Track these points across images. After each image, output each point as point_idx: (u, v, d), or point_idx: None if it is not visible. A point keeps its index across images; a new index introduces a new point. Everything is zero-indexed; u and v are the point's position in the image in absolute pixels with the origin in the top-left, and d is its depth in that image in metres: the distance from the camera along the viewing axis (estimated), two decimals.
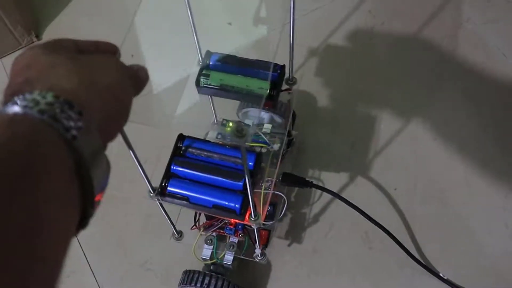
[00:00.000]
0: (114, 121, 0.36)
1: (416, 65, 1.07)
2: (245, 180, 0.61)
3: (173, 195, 0.63)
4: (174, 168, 0.64)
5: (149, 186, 0.62)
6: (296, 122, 0.96)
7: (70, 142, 0.29)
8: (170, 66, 0.89)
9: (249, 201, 0.59)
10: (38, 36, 1.17)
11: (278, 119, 0.84)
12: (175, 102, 0.91)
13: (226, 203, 0.61)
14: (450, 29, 1.10)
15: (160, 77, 0.96)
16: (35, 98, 0.29)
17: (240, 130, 0.39)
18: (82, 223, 0.32)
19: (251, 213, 0.61)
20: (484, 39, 1.08)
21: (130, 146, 0.51)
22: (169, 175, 0.64)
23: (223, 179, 0.62)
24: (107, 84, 0.35)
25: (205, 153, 0.64)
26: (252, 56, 0.70)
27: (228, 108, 0.87)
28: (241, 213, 0.61)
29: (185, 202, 0.63)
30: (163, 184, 0.63)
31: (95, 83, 0.34)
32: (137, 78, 0.40)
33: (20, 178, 0.26)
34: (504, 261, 0.88)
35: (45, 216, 0.27)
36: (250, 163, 0.62)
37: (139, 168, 0.58)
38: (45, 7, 1.21)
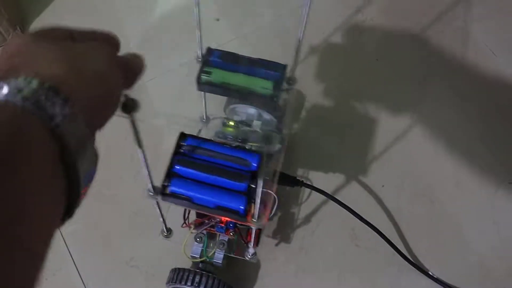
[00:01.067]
0: (101, 110, 0.34)
1: (405, 62, 1.07)
2: (249, 181, 0.60)
3: (175, 195, 0.61)
4: (177, 167, 0.62)
5: (150, 185, 0.60)
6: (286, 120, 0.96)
7: (54, 130, 0.28)
8: (157, 60, 0.89)
9: (251, 202, 0.58)
10: (23, 32, 1.15)
11: (266, 116, 0.83)
12: (162, 97, 0.90)
13: (231, 204, 0.60)
14: (439, 26, 1.10)
15: (148, 72, 0.95)
16: (19, 85, 0.28)
17: (268, 137, 0.38)
18: (67, 214, 0.31)
19: (253, 214, 0.60)
20: (473, 36, 1.08)
21: (140, 143, 0.49)
22: (171, 175, 0.62)
23: (227, 180, 0.61)
24: (95, 72, 0.34)
25: (208, 152, 0.62)
26: (241, 53, 0.69)
27: (216, 102, 0.87)
28: (245, 214, 0.60)
29: (187, 202, 0.61)
30: (164, 184, 0.62)
31: (83, 71, 0.33)
32: (128, 68, 0.38)
33: (0, 166, 0.25)
34: (492, 258, 0.88)
35: (27, 206, 0.26)
36: (254, 164, 0.61)
37: (145, 167, 0.55)
38: (31, 2, 1.19)
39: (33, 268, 0.27)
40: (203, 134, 0.75)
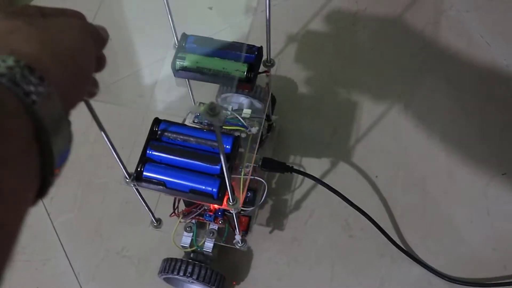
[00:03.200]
0: (75, 87, 0.34)
1: (398, 52, 1.06)
2: (222, 163, 0.60)
3: (149, 180, 0.61)
4: (150, 152, 0.62)
5: (124, 171, 0.60)
6: (277, 108, 0.95)
7: (29, 106, 0.28)
8: (148, 48, 0.88)
9: (226, 185, 0.58)
10: None
11: (257, 104, 0.83)
12: (153, 85, 0.90)
13: (203, 187, 0.59)
14: (433, 16, 1.09)
15: (139, 60, 0.95)
16: None
17: (212, 108, 0.38)
18: (41, 192, 0.31)
19: (229, 197, 0.60)
20: (467, 26, 1.08)
21: (101, 127, 0.49)
22: (144, 160, 0.62)
23: (200, 163, 0.60)
24: (69, 48, 0.34)
25: (182, 137, 0.62)
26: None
27: (208, 93, 0.86)
28: (219, 198, 0.59)
29: (161, 187, 0.61)
30: (138, 169, 0.62)
31: (57, 48, 0.33)
32: (98, 36, 0.39)
33: None
34: (485, 249, 0.87)
35: (0, 179, 0.26)
36: (227, 147, 0.61)
37: (113, 152, 0.56)
38: None
39: (7, 244, 0.27)
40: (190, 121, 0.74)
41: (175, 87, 0.75)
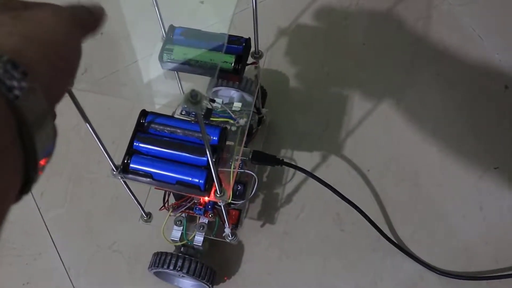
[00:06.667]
0: (60, 81, 0.34)
1: (390, 46, 1.06)
2: (207, 154, 0.59)
3: (136, 172, 0.61)
4: (137, 144, 0.62)
5: (111, 163, 0.60)
6: (268, 101, 0.95)
7: (12, 101, 0.28)
8: (139, 41, 0.88)
9: (213, 176, 0.57)
10: None
11: (248, 98, 0.83)
12: (142, 78, 0.89)
13: (190, 179, 0.59)
14: (425, 10, 1.09)
15: (129, 53, 0.95)
16: None
17: (194, 96, 0.37)
18: (24, 188, 0.30)
19: (216, 189, 0.60)
20: (459, 20, 1.07)
21: (85, 118, 0.49)
22: (131, 152, 0.62)
23: (187, 155, 0.60)
24: (53, 42, 0.33)
25: (169, 128, 0.62)
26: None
27: (198, 86, 0.86)
28: (206, 189, 0.59)
29: (148, 179, 0.61)
30: (125, 161, 0.61)
31: (40, 42, 0.32)
32: (88, 22, 0.38)
33: None
34: (477, 243, 0.87)
35: None
36: (214, 138, 0.60)
37: (100, 144, 0.55)
38: None
39: None
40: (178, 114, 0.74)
41: (164, 79, 0.75)
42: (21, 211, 0.91)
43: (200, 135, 0.61)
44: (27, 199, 0.91)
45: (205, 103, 0.70)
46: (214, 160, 0.55)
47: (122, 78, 0.95)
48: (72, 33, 0.35)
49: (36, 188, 0.91)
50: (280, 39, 1.06)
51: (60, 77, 0.34)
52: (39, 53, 0.32)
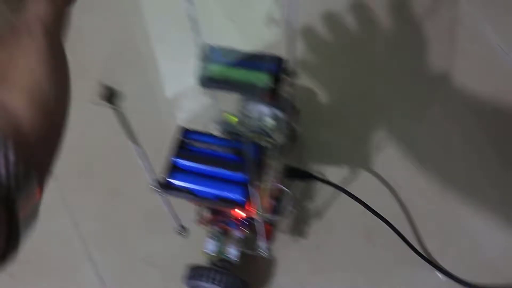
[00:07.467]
0: (51, 152, 0.36)
1: (415, 62, 1.07)
2: (249, 172, 0.61)
3: (177, 188, 0.63)
4: (176, 160, 0.64)
5: (152, 179, 0.62)
6: (299, 118, 0.97)
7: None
8: (175, 59, 0.91)
9: (253, 192, 0.59)
10: None
11: (280, 114, 0.84)
12: (177, 95, 0.92)
13: (231, 195, 0.61)
14: (449, 25, 1.10)
15: (162, 69, 0.97)
16: None
17: (243, 118, 0.40)
18: (3, 259, 0.31)
19: (256, 205, 0.61)
20: (484, 35, 1.08)
21: (132, 136, 0.51)
22: (172, 168, 0.64)
23: (227, 171, 0.62)
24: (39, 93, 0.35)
25: (207, 145, 0.64)
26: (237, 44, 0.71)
27: (231, 102, 0.88)
28: (246, 205, 0.61)
29: (188, 195, 0.63)
30: (165, 177, 0.63)
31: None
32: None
33: None
34: (504, 256, 0.88)
35: None
36: (253, 155, 0.62)
37: (143, 161, 0.57)
38: None
39: None
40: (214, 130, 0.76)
41: (199, 96, 0.77)
42: (56, 224, 0.94)
43: (239, 151, 0.63)
44: (62, 213, 0.93)
45: (269, 123, 0.72)
46: (255, 176, 0.57)
47: (156, 95, 0.97)
48: (54, 66, 0.38)
49: (72, 202, 0.94)
50: (309, 56, 1.08)
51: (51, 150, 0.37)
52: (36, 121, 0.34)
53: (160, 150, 0.65)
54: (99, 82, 0.41)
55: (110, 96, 0.41)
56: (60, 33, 0.40)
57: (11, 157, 0.30)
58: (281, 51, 0.70)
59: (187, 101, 0.76)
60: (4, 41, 0.34)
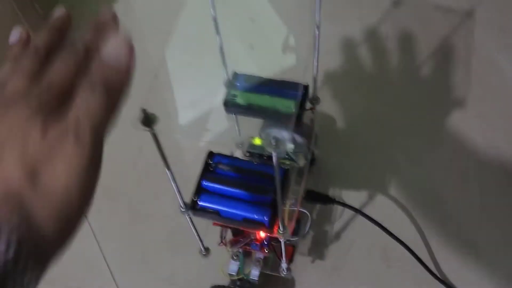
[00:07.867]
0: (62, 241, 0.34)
1: (431, 91, 1.10)
2: (273, 194, 0.64)
3: (204, 210, 0.65)
4: (205, 183, 0.67)
5: (181, 201, 0.64)
6: (317, 142, 0.99)
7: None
8: (199, 86, 0.93)
9: (277, 214, 0.61)
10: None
11: (299, 139, 0.87)
12: (203, 119, 0.95)
13: (256, 216, 0.63)
14: (464, 54, 1.13)
15: (190, 96, 1.00)
16: None
17: (277, 142, 0.42)
18: None
19: (279, 226, 0.64)
20: (499, 65, 1.11)
21: (165, 159, 0.53)
22: (200, 190, 0.66)
23: (252, 194, 0.65)
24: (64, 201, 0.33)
25: (235, 168, 0.67)
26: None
27: (252, 127, 0.90)
28: (270, 226, 0.63)
29: (215, 216, 0.65)
30: (194, 199, 0.66)
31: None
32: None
33: None
34: None
35: None
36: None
37: (173, 183, 0.60)
38: None
39: None
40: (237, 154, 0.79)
41: (223, 121, 0.79)
42: (80, 245, 0.96)
43: (264, 175, 0.65)
44: (86, 233, 0.96)
45: (289, 147, 0.75)
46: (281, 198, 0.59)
47: (182, 119, 1.00)
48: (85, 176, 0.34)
49: (95, 222, 0.96)
50: (327, 82, 1.11)
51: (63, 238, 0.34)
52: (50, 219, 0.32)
53: (184, 172, 0.68)
54: (140, 107, 0.44)
55: (148, 120, 0.44)
56: (107, 131, 0.36)
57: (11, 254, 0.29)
58: (297, 77, 0.73)
59: (214, 125, 0.79)
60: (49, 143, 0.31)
